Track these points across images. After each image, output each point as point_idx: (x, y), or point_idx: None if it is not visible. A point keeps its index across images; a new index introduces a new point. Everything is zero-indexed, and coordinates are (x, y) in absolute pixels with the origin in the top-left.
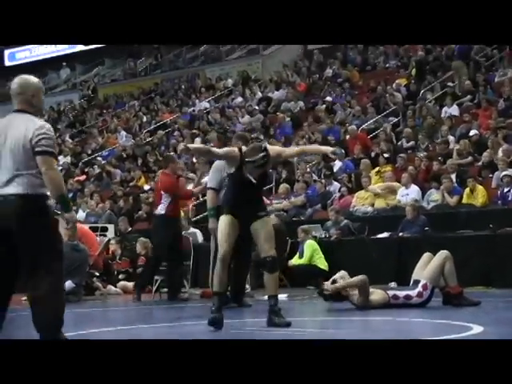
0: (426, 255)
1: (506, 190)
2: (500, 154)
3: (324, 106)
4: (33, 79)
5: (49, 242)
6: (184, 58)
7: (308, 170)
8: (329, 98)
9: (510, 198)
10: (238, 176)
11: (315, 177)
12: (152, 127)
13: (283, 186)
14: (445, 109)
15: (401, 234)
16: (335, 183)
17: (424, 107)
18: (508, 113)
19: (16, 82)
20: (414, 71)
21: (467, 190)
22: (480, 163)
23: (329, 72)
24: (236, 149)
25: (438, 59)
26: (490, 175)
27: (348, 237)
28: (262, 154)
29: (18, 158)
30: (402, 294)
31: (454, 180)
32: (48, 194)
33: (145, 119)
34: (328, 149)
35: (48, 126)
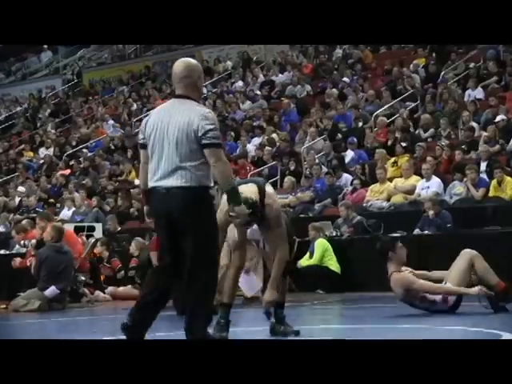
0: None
1: None
2: None
3: (335, 90)
4: (196, 62)
5: (211, 233)
6: None
7: (316, 161)
8: (346, 79)
9: None
10: None
11: (324, 169)
12: (143, 115)
13: (288, 180)
14: (468, 92)
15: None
16: (347, 175)
17: (445, 90)
18: None
19: (180, 65)
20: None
21: (494, 181)
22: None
23: (338, 52)
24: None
25: None
26: None
27: (361, 235)
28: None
29: (182, 149)
30: (430, 297)
31: (484, 170)
32: (210, 185)
33: (135, 106)
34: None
35: (212, 114)
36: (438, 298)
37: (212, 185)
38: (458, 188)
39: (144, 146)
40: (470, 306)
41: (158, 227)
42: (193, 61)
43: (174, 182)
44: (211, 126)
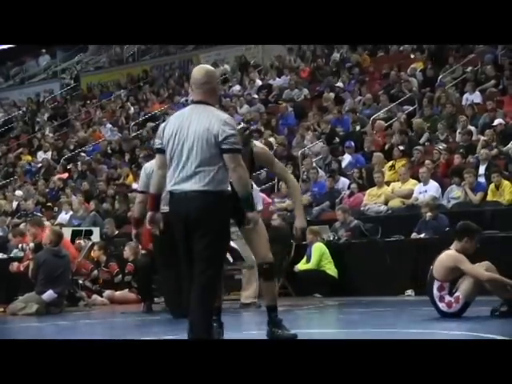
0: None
1: None
2: None
3: (332, 93)
4: (213, 68)
5: (224, 237)
6: None
7: (314, 164)
8: (340, 84)
9: None
10: None
11: (322, 172)
12: (140, 119)
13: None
14: (466, 96)
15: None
16: (344, 179)
17: (443, 94)
18: None
19: (200, 71)
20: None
21: (492, 185)
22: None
23: (336, 56)
24: None
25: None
26: None
27: (359, 239)
28: (257, 218)
29: (202, 154)
30: (445, 290)
31: (483, 173)
32: (227, 189)
33: (132, 110)
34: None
35: (231, 119)
36: (448, 298)
37: (229, 189)
38: (456, 192)
39: (160, 151)
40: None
41: (175, 230)
42: (211, 67)
43: (192, 185)
44: (232, 132)
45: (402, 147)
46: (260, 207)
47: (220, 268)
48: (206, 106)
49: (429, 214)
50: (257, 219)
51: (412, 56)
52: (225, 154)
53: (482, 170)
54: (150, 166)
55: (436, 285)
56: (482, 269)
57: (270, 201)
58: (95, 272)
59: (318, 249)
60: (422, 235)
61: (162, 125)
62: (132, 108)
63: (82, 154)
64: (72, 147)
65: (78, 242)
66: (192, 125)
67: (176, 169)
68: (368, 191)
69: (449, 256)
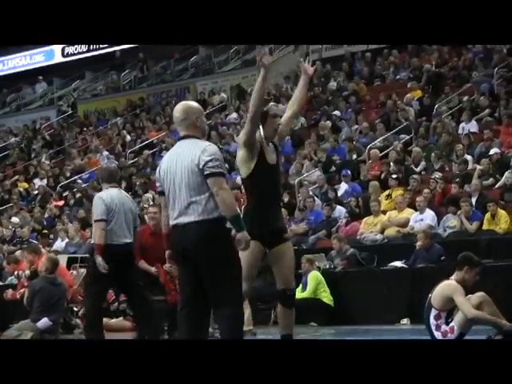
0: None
1: None
2: None
3: (329, 122)
4: (193, 103)
5: (228, 262)
6: (172, 71)
7: (310, 193)
8: (337, 113)
9: None
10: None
11: (318, 201)
12: (137, 147)
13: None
14: (462, 125)
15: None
16: (340, 208)
17: (439, 123)
18: None
19: (178, 109)
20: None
21: (488, 215)
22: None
23: (333, 85)
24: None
25: (454, 69)
26: None
27: (355, 267)
28: (249, 239)
29: (190, 185)
30: (441, 319)
31: (474, 204)
32: (222, 215)
33: (129, 138)
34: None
35: (212, 146)
36: (444, 327)
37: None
38: (452, 221)
39: (161, 193)
40: None
41: (176, 263)
42: (190, 103)
43: (188, 218)
44: (210, 157)
45: (398, 176)
46: None
47: (237, 290)
48: (190, 139)
49: (418, 243)
50: (247, 239)
51: (408, 85)
52: (207, 180)
53: (473, 200)
54: (105, 194)
55: (433, 313)
56: (476, 301)
57: None
58: None
59: (314, 277)
60: (399, 263)
61: (158, 167)
62: (128, 136)
63: (79, 181)
64: (68, 174)
65: (74, 270)
66: (179, 160)
67: (173, 205)
68: (364, 220)
69: (447, 285)
